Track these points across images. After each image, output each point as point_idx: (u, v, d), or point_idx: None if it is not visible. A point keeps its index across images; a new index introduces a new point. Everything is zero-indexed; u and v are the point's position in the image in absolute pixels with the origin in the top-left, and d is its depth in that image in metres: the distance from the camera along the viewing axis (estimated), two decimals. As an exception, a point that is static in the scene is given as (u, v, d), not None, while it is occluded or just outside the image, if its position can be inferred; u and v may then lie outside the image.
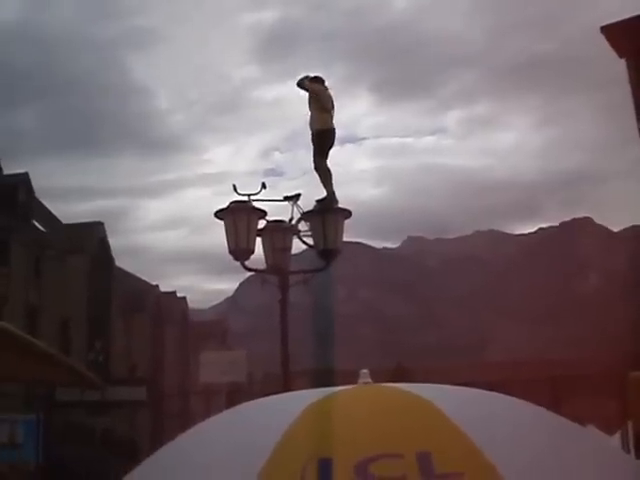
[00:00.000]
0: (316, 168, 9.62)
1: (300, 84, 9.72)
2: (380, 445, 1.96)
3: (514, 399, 2.52)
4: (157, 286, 50.69)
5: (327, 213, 8.99)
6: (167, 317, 48.17)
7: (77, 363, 15.02)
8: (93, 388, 18.92)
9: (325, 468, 1.90)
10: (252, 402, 2.71)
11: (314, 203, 9.34)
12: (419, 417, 2.06)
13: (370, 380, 2.67)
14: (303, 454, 1.96)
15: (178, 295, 54.30)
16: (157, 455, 2.44)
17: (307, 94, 9.75)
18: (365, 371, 2.78)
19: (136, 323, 42.78)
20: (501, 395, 2.58)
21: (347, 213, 9.34)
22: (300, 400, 2.24)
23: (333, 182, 9.47)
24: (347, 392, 2.46)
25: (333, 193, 9.32)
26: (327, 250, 9.05)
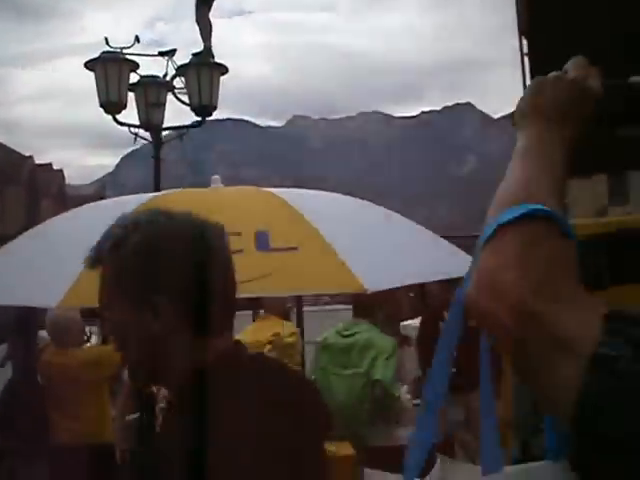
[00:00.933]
0: (197, 21, 9.30)
1: None
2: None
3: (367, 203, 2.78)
4: (31, 157, 48.57)
5: (202, 67, 8.73)
6: (43, 190, 46.38)
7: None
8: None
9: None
10: (87, 205, 2.74)
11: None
12: (262, 204, 2.15)
13: (222, 185, 2.72)
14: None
15: (55, 168, 52.26)
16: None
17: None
18: (216, 177, 2.83)
19: (9, 195, 41.06)
20: (355, 199, 2.82)
21: (224, 69, 9.08)
22: (137, 199, 2.28)
23: (212, 39, 9.23)
24: (190, 191, 2.52)
25: (210, 48, 9.06)
26: (202, 106, 8.86)
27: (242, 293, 1.58)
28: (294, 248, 2.04)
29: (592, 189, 23.85)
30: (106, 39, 8.92)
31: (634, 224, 6.11)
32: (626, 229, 5.91)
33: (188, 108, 9.03)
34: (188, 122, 9.68)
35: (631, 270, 5.39)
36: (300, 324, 7.42)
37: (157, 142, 9.11)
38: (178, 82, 9.19)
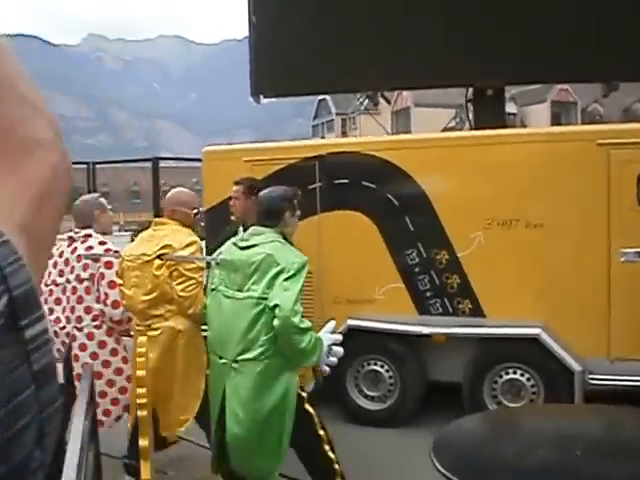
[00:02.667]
0: None
1: None
2: None
3: None
4: None
5: None
6: None
7: None
8: None
9: None
10: None
11: None
12: None
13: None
14: None
15: None
16: None
17: None
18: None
19: None
20: None
21: None
22: None
23: None
24: None
25: None
26: None
27: None
28: None
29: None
30: None
31: (344, 148, 6.22)
32: (336, 153, 6.11)
33: None
34: None
35: (339, 197, 5.93)
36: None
37: None
38: None
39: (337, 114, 64.06)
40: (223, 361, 3.55)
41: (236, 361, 3.47)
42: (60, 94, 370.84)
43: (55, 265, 4.65)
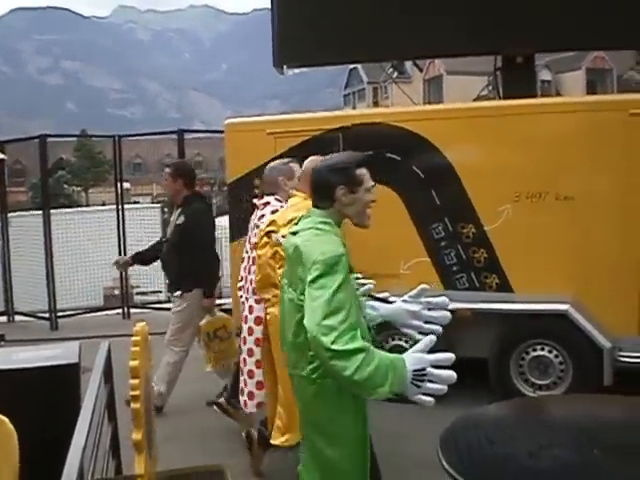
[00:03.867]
0: None
1: None
2: None
3: None
4: None
5: None
6: None
7: None
8: None
9: None
10: None
11: None
12: None
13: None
14: None
15: None
16: None
17: None
18: None
19: None
20: None
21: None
22: None
23: None
24: None
25: None
26: None
27: None
28: None
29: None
30: None
31: (368, 119, 6.06)
32: (361, 124, 5.95)
33: None
34: None
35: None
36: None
37: None
38: None
39: (368, 83, 63.43)
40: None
41: (291, 375, 2.88)
42: (91, 66, 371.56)
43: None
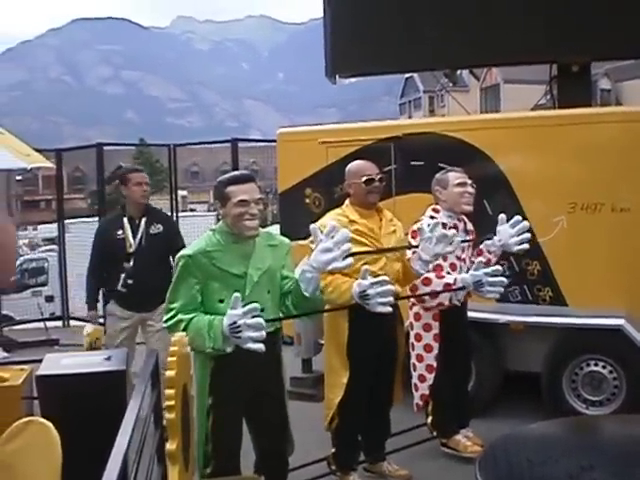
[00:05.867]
0: None
1: None
2: None
3: None
4: None
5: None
6: None
7: None
8: None
9: None
10: None
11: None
12: None
13: None
14: None
15: None
16: None
17: None
18: None
19: None
20: None
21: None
22: None
23: None
24: None
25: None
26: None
27: None
28: None
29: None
30: None
31: (420, 129, 6.07)
32: (413, 134, 5.93)
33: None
34: None
35: (414, 179, 5.55)
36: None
37: None
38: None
39: (424, 92, 63.12)
40: None
41: None
42: (151, 75, 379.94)
43: None
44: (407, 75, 57.68)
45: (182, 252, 3.41)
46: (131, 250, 5.60)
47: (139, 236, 5.61)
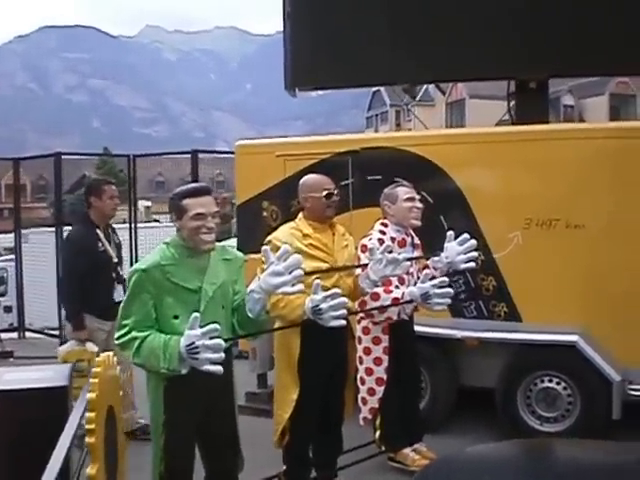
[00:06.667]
0: None
1: None
2: None
3: None
4: None
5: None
6: None
7: None
8: None
9: None
10: None
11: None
12: None
13: None
14: None
15: None
16: None
17: None
18: None
19: None
20: None
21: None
22: None
23: None
24: None
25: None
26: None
27: None
28: None
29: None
30: None
31: (377, 143, 6.11)
32: (370, 148, 5.93)
33: None
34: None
35: (372, 193, 5.21)
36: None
37: None
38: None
39: (391, 105, 63.34)
40: None
41: None
42: (118, 85, 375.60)
43: None
44: (374, 89, 57.97)
45: (135, 266, 3.30)
46: (115, 261, 5.63)
47: (112, 246, 5.65)
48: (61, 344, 9.84)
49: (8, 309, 12.11)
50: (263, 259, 3.29)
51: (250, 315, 3.27)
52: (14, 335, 10.73)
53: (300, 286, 3.19)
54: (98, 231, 5.56)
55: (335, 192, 4.30)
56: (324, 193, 4.24)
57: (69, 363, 5.26)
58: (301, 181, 4.44)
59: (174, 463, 3.34)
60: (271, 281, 3.15)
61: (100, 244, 5.53)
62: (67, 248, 5.89)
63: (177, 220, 3.29)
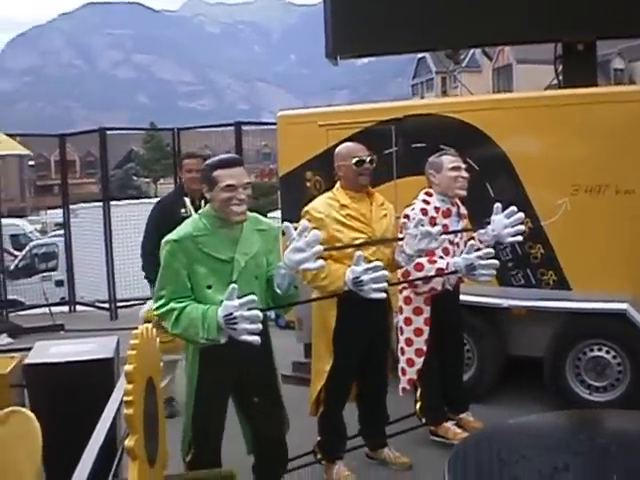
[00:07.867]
0: None
1: None
2: None
3: None
4: None
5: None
6: None
7: None
8: None
9: None
10: None
11: None
12: None
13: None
14: None
15: None
16: None
17: None
18: None
19: None
20: None
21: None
22: None
23: None
24: None
25: None
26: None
27: None
28: None
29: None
30: None
31: (421, 110, 5.98)
32: (414, 115, 5.84)
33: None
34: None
35: (416, 162, 5.08)
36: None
37: None
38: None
39: (437, 72, 62.46)
40: None
41: None
42: (162, 59, 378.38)
43: None
44: (420, 56, 57.18)
45: (168, 237, 3.28)
46: None
47: None
48: (111, 316, 10.14)
49: (59, 283, 12.37)
50: (285, 234, 3.27)
51: (278, 291, 3.28)
52: (65, 309, 10.95)
53: (321, 262, 3.19)
54: (186, 199, 5.70)
55: (367, 159, 4.21)
56: (354, 161, 4.18)
57: (152, 321, 5.45)
58: (336, 150, 4.39)
59: (202, 425, 3.36)
60: (293, 257, 3.16)
61: (184, 210, 5.63)
62: (152, 210, 6.00)
63: (209, 191, 3.30)
